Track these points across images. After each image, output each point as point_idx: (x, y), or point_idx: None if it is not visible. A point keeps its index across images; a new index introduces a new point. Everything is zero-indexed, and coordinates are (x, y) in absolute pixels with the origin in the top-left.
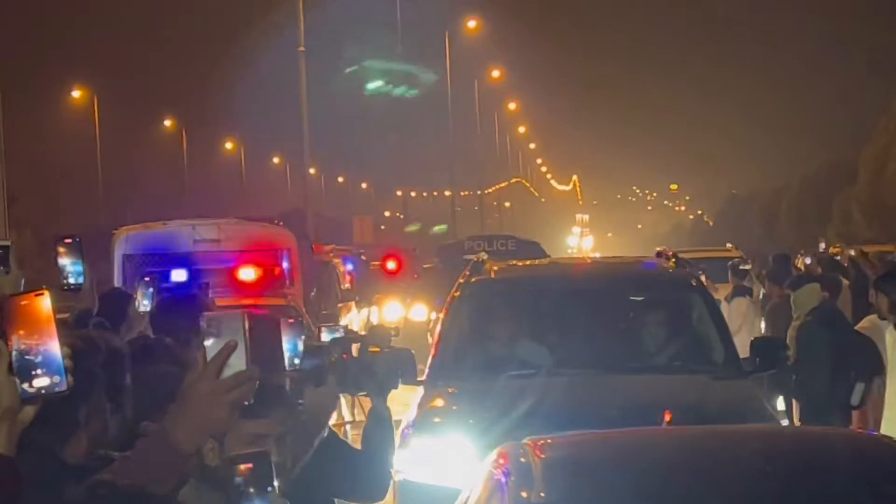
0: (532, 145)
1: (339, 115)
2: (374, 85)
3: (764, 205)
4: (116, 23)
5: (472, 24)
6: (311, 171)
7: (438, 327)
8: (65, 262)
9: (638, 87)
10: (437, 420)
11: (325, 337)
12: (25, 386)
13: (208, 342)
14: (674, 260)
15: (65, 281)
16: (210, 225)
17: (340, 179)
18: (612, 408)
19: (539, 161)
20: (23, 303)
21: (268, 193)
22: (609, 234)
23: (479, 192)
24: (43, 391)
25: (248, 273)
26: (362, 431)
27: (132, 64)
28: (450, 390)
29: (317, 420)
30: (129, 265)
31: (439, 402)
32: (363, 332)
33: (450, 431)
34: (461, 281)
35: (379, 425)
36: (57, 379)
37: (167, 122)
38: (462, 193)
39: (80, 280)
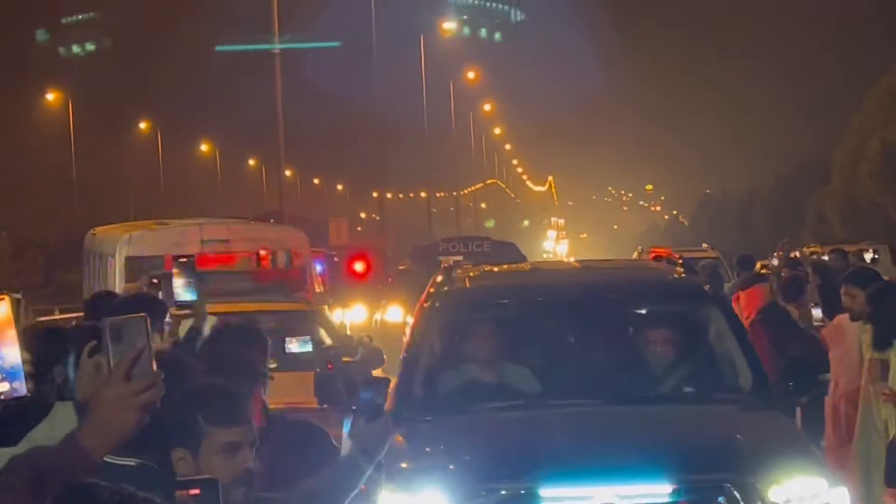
0: (508, 146)
1: (315, 116)
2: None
3: (738, 205)
4: (91, 25)
5: (447, 25)
6: (287, 172)
7: (405, 346)
8: (178, 280)
9: (613, 88)
10: (406, 466)
11: (295, 348)
12: None
13: (112, 347)
14: (681, 264)
15: (178, 296)
16: (218, 224)
17: (316, 181)
18: (625, 451)
19: (515, 162)
20: None
21: (243, 195)
22: (583, 235)
23: (454, 194)
24: (2, 396)
25: (265, 276)
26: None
27: (106, 67)
28: (421, 426)
29: (367, 455)
30: (132, 268)
31: (410, 443)
32: (332, 344)
33: (425, 484)
34: (431, 290)
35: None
36: (17, 384)
37: (142, 125)
38: (438, 195)
39: (193, 296)
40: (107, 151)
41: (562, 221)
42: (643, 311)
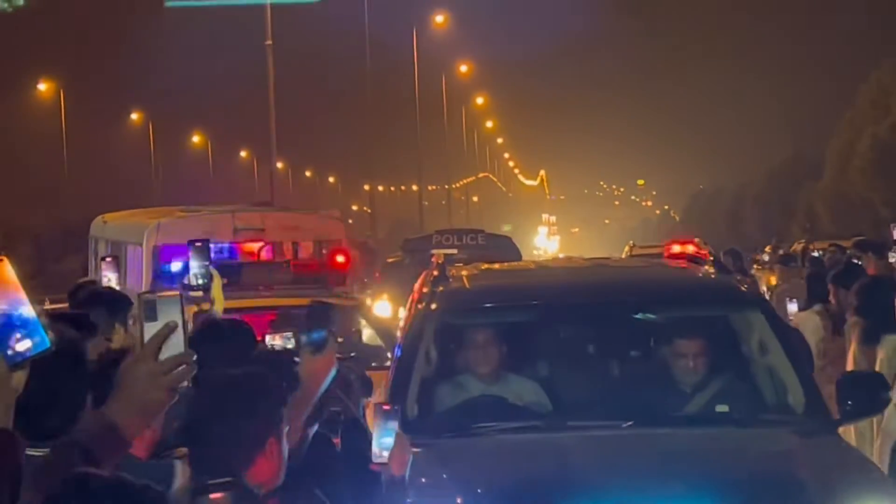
0: (500, 140)
1: (307, 108)
2: None
3: (729, 200)
4: (82, 15)
5: (439, 18)
6: (279, 164)
7: (394, 355)
8: (194, 263)
9: (605, 82)
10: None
11: (278, 344)
12: (9, 352)
13: (146, 325)
14: (712, 261)
15: (194, 280)
16: (252, 212)
17: (308, 173)
18: (671, 485)
19: (507, 156)
20: None
21: (235, 187)
22: (574, 230)
23: (446, 187)
24: (28, 353)
25: (303, 267)
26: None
27: (98, 57)
28: (421, 452)
29: (309, 387)
30: (162, 258)
31: (411, 474)
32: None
33: None
34: (424, 290)
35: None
36: (38, 339)
37: (134, 116)
38: (429, 188)
39: (206, 280)
40: (97, 141)
41: (553, 218)
42: (673, 318)
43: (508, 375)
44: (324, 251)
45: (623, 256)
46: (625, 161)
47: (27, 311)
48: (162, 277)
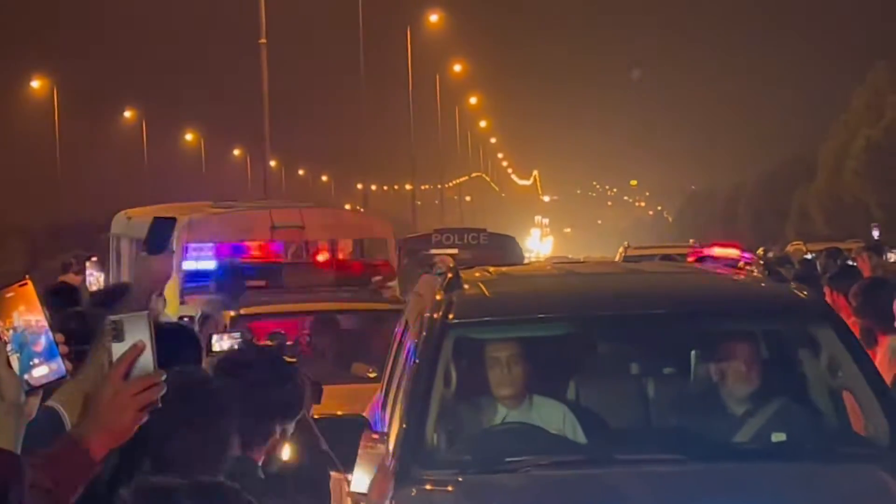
0: (493, 140)
1: (300, 107)
2: None
3: (723, 201)
4: (76, 12)
5: (434, 18)
6: (272, 163)
7: (402, 374)
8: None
9: (599, 82)
10: None
11: (226, 345)
12: (25, 377)
13: (114, 345)
14: (763, 266)
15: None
16: (290, 208)
17: (301, 172)
18: None
19: (500, 156)
20: (8, 295)
21: (228, 185)
22: (567, 230)
23: (439, 186)
24: (44, 380)
25: (345, 268)
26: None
27: (92, 54)
28: (445, 490)
29: (143, 286)
30: (195, 257)
31: None
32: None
33: None
34: (437, 297)
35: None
36: (55, 366)
37: (127, 114)
38: (423, 187)
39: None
40: (90, 138)
41: (546, 220)
42: (724, 333)
43: (534, 398)
44: (373, 250)
45: (617, 258)
46: (618, 161)
47: (47, 337)
48: (192, 279)
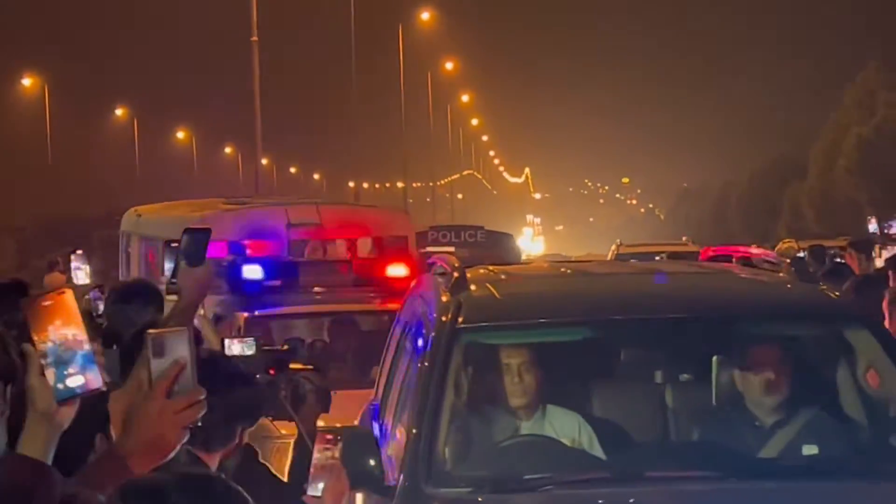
0: (485, 137)
1: (292, 105)
2: None
3: (714, 199)
4: (68, 10)
5: (425, 16)
6: (264, 161)
7: (404, 382)
8: (168, 262)
9: (591, 80)
10: None
11: (236, 350)
12: (59, 386)
13: (154, 361)
14: (789, 264)
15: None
16: (307, 205)
17: (293, 170)
18: None
19: (492, 153)
20: (46, 303)
21: (219, 183)
22: (559, 227)
23: (431, 184)
24: (79, 390)
25: (366, 267)
26: (289, 461)
27: (83, 53)
28: None
29: (190, 298)
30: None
31: None
32: (284, 346)
33: None
34: (443, 299)
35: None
36: (91, 377)
37: (119, 111)
38: (414, 185)
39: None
40: (82, 136)
41: (538, 220)
42: (755, 339)
43: (548, 408)
44: (394, 248)
45: (609, 256)
46: (609, 159)
47: (84, 346)
48: None
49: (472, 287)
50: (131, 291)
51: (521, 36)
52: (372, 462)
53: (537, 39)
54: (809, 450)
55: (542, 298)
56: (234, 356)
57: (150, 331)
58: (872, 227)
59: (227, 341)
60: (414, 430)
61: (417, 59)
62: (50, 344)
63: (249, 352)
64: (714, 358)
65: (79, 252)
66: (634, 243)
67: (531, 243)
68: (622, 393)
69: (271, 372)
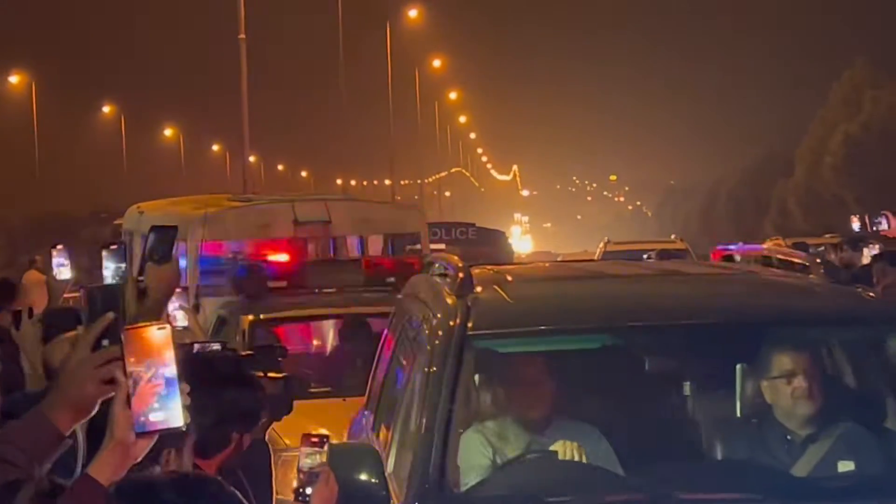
0: (473, 135)
1: (279, 103)
2: None
3: (702, 196)
4: (55, 7)
5: (413, 13)
6: (251, 158)
7: (405, 392)
8: (108, 266)
9: (578, 78)
10: None
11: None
12: (141, 419)
13: (89, 315)
14: (819, 264)
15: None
16: (315, 201)
17: (280, 167)
18: None
19: (480, 151)
20: (143, 335)
21: (207, 181)
22: (547, 225)
23: (419, 182)
24: (158, 426)
25: (376, 266)
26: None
27: (70, 49)
28: None
29: (157, 296)
30: (211, 255)
31: None
32: (247, 352)
33: None
34: (448, 301)
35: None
36: (173, 415)
37: (106, 109)
38: (402, 182)
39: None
40: (69, 133)
41: (526, 218)
42: (786, 345)
43: (563, 421)
44: (406, 246)
45: (598, 253)
46: (597, 156)
47: (174, 384)
48: (208, 279)
49: (479, 289)
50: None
51: (509, 34)
52: (375, 481)
53: (525, 37)
54: (845, 466)
55: (559, 303)
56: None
57: (89, 286)
58: (856, 225)
59: (197, 345)
60: (421, 448)
61: (405, 57)
62: (142, 375)
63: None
64: (740, 366)
65: (59, 247)
66: (623, 241)
67: (519, 241)
68: (643, 405)
69: None
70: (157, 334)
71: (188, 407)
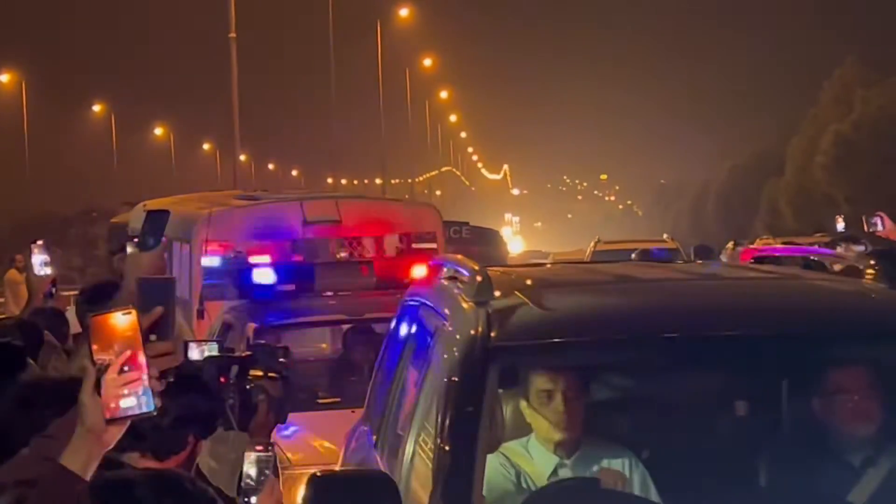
0: (463, 134)
1: (270, 101)
2: None
3: (692, 195)
4: (45, 6)
5: (404, 12)
6: (242, 157)
7: (415, 409)
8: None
9: (569, 77)
10: None
11: (194, 355)
12: (112, 406)
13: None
14: (873, 264)
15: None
16: (325, 199)
17: (271, 166)
18: None
19: (470, 150)
20: (109, 321)
21: (198, 179)
22: (538, 224)
23: (409, 181)
24: (129, 412)
25: (390, 268)
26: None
27: (60, 49)
28: None
29: (131, 286)
30: (216, 256)
31: None
32: (245, 352)
33: None
34: (465, 306)
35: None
36: (144, 400)
37: (96, 108)
38: (393, 181)
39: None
40: (59, 132)
41: (517, 219)
42: (843, 359)
43: (593, 443)
44: (421, 246)
45: (588, 253)
46: (588, 155)
47: (142, 369)
48: (212, 282)
49: (498, 294)
50: (100, 292)
51: (500, 33)
52: None
53: (516, 37)
54: None
55: (592, 311)
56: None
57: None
58: (840, 226)
59: (190, 345)
60: (442, 472)
61: (396, 56)
62: (109, 362)
63: (212, 352)
64: (791, 381)
65: (39, 243)
66: (613, 240)
67: (510, 241)
68: (682, 425)
69: (222, 380)
70: (122, 320)
71: (159, 392)
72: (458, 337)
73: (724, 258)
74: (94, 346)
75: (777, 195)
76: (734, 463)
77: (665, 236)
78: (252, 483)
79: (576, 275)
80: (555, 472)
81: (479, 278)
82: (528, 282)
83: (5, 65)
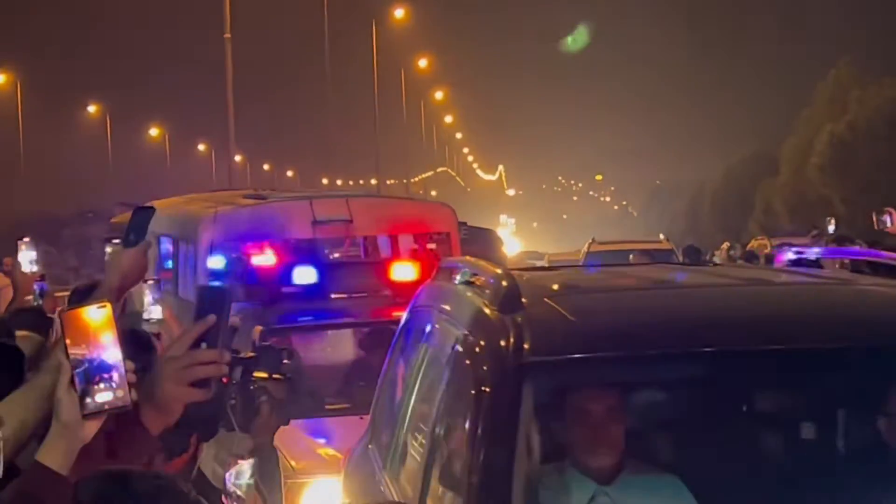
0: (459, 135)
1: (265, 102)
2: None
3: (688, 196)
4: (40, 6)
5: (399, 13)
6: (237, 158)
7: (435, 429)
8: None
9: (565, 77)
10: None
11: None
12: (87, 400)
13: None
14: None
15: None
16: (335, 198)
17: (266, 167)
18: None
19: (466, 150)
20: (81, 316)
21: (193, 180)
22: (533, 224)
23: (404, 181)
24: (106, 406)
25: (403, 270)
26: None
27: (56, 48)
28: None
29: (111, 281)
30: (222, 257)
31: None
32: (250, 353)
33: None
34: (489, 313)
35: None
36: (120, 393)
37: (91, 108)
38: (388, 182)
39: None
40: (53, 133)
41: (512, 220)
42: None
43: (635, 469)
44: (435, 246)
45: (582, 253)
46: (583, 156)
47: (117, 363)
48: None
49: (525, 301)
50: (93, 292)
51: (495, 34)
52: None
53: (511, 38)
54: None
55: (635, 321)
56: None
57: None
58: (831, 227)
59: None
60: (475, 501)
61: (391, 57)
62: (84, 356)
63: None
64: (848, 399)
65: (26, 239)
66: (608, 241)
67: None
68: (734, 449)
69: (224, 381)
70: (95, 314)
71: (134, 385)
72: (486, 351)
73: (717, 259)
74: (68, 341)
75: (772, 196)
76: (790, 491)
77: (661, 237)
78: (234, 498)
79: (607, 279)
80: (593, 499)
81: (504, 283)
82: (556, 287)
83: (1, 64)
